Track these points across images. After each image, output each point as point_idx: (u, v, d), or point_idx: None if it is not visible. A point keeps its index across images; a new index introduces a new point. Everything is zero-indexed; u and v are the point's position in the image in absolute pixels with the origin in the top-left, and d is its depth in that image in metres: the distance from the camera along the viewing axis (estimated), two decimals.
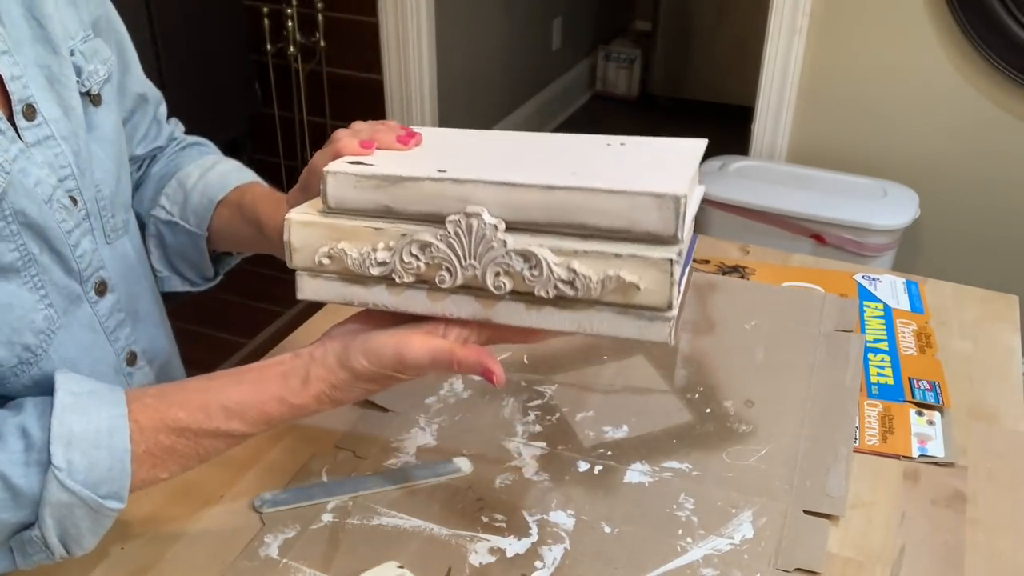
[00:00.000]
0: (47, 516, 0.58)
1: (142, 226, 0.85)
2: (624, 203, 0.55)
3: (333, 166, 0.62)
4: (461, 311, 0.60)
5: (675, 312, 0.57)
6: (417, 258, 0.59)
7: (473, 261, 0.58)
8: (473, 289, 0.59)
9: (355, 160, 0.63)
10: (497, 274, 0.58)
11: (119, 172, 0.75)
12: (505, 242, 0.57)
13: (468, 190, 0.58)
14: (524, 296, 0.59)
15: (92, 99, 0.71)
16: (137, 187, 0.86)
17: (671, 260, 0.55)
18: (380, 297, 0.62)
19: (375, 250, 0.60)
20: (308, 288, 0.63)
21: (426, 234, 0.59)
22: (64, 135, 0.67)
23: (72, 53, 0.69)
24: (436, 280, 0.59)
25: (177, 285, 0.88)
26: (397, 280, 0.60)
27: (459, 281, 0.59)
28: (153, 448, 0.61)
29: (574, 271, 0.57)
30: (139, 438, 0.60)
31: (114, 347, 0.74)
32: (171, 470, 0.63)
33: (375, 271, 0.60)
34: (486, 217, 0.57)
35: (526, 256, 0.57)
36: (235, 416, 0.62)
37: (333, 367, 0.62)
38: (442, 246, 0.58)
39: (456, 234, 0.58)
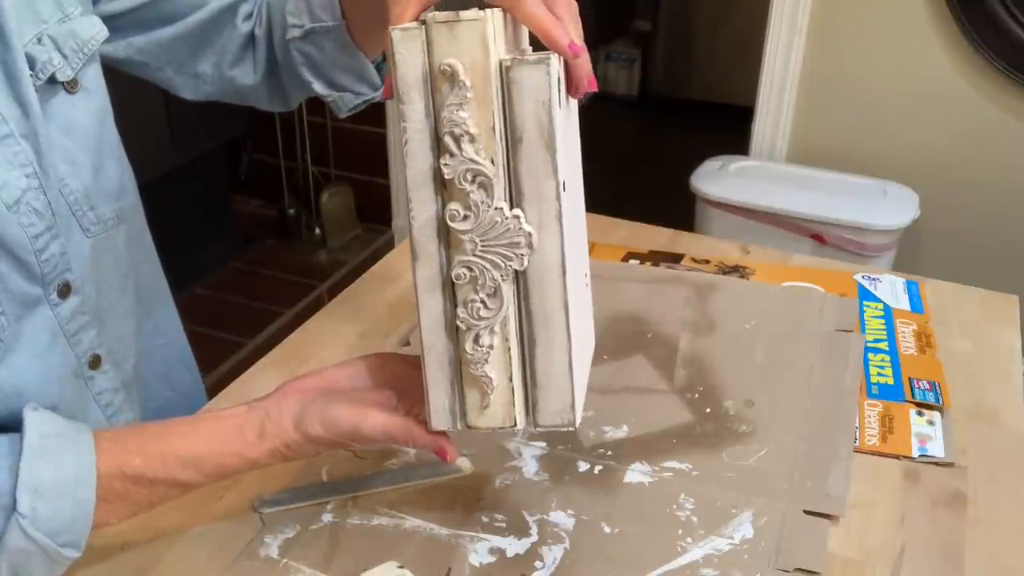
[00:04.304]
0: (3, 562, 0.57)
1: (291, 63, 0.81)
2: (565, 393, 0.59)
3: (536, 78, 0.53)
4: (422, 260, 0.58)
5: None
6: (469, 181, 0.55)
7: (478, 239, 0.56)
8: (442, 275, 0.57)
9: (556, 88, 0.55)
10: (468, 266, 0.56)
11: (101, 161, 0.71)
12: (502, 289, 0.57)
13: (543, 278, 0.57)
14: (450, 299, 0.58)
15: (66, 85, 0.67)
16: (271, 31, 0.82)
17: (514, 429, 0.61)
18: (413, 124, 0.55)
19: (469, 133, 0.54)
20: (402, 48, 0.54)
21: (499, 186, 0.55)
22: (24, 133, 0.63)
23: (39, 40, 0.65)
24: (452, 204, 0.55)
25: (352, 101, 0.84)
26: (445, 151, 0.55)
27: (460, 226, 0.56)
28: (107, 494, 0.60)
29: (490, 348, 0.58)
30: (96, 484, 0.59)
31: (75, 350, 0.70)
32: (121, 516, 0.62)
33: (448, 127, 0.54)
34: (530, 252, 0.56)
35: (496, 293, 0.57)
36: (191, 467, 0.62)
37: (288, 428, 0.62)
38: (488, 205, 0.55)
39: (500, 228, 0.55)
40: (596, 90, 0.59)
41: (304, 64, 0.81)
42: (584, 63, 0.57)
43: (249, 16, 0.82)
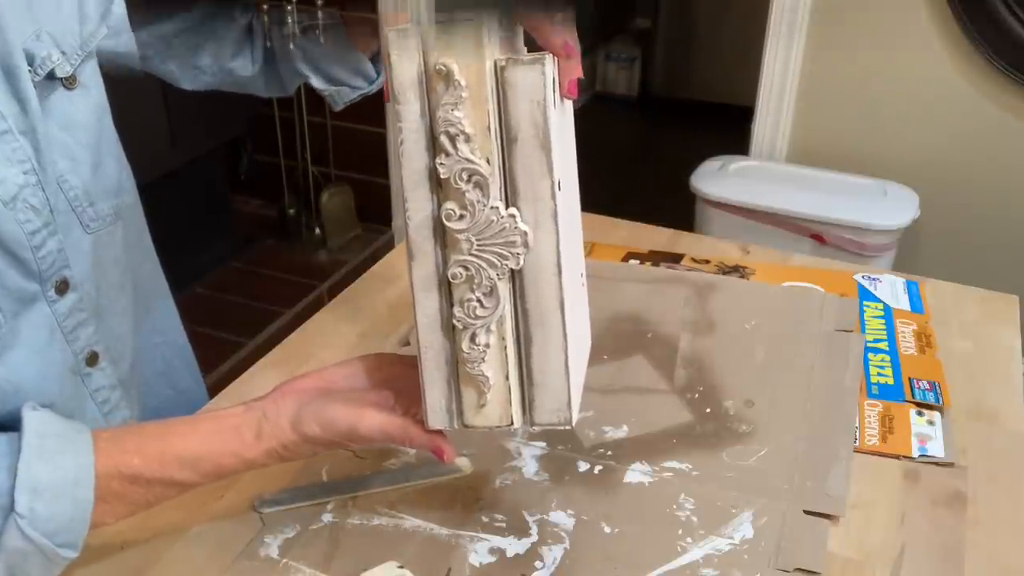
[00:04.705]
0: (0, 562, 0.57)
1: (289, 57, 0.83)
2: (561, 391, 0.59)
3: (531, 79, 0.54)
4: (417, 248, 0.58)
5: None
6: (465, 180, 0.55)
7: (474, 238, 0.56)
8: (439, 274, 0.58)
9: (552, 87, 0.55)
10: (465, 265, 0.57)
11: (100, 158, 0.71)
12: (495, 288, 0.57)
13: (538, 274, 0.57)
14: (446, 298, 0.58)
15: (65, 82, 0.67)
16: (269, 23, 0.84)
17: (511, 427, 0.61)
18: (409, 124, 0.56)
19: (464, 132, 0.55)
20: (397, 49, 0.55)
21: (495, 186, 0.55)
22: (23, 129, 0.63)
23: (38, 37, 0.65)
24: (448, 204, 0.56)
25: (348, 95, 0.86)
26: (441, 150, 0.55)
27: (456, 226, 0.56)
28: (105, 494, 0.60)
29: (487, 346, 0.58)
30: (95, 484, 0.59)
31: (72, 347, 0.70)
32: (118, 516, 0.62)
33: (443, 127, 0.55)
34: (519, 243, 0.56)
35: (492, 292, 0.57)
36: (188, 467, 0.62)
37: (285, 428, 0.62)
38: (483, 204, 0.55)
39: (496, 227, 0.56)
40: (575, 96, 0.59)
41: (302, 59, 0.82)
42: (572, 67, 0.58)
43: (247, 9, 0.83)
